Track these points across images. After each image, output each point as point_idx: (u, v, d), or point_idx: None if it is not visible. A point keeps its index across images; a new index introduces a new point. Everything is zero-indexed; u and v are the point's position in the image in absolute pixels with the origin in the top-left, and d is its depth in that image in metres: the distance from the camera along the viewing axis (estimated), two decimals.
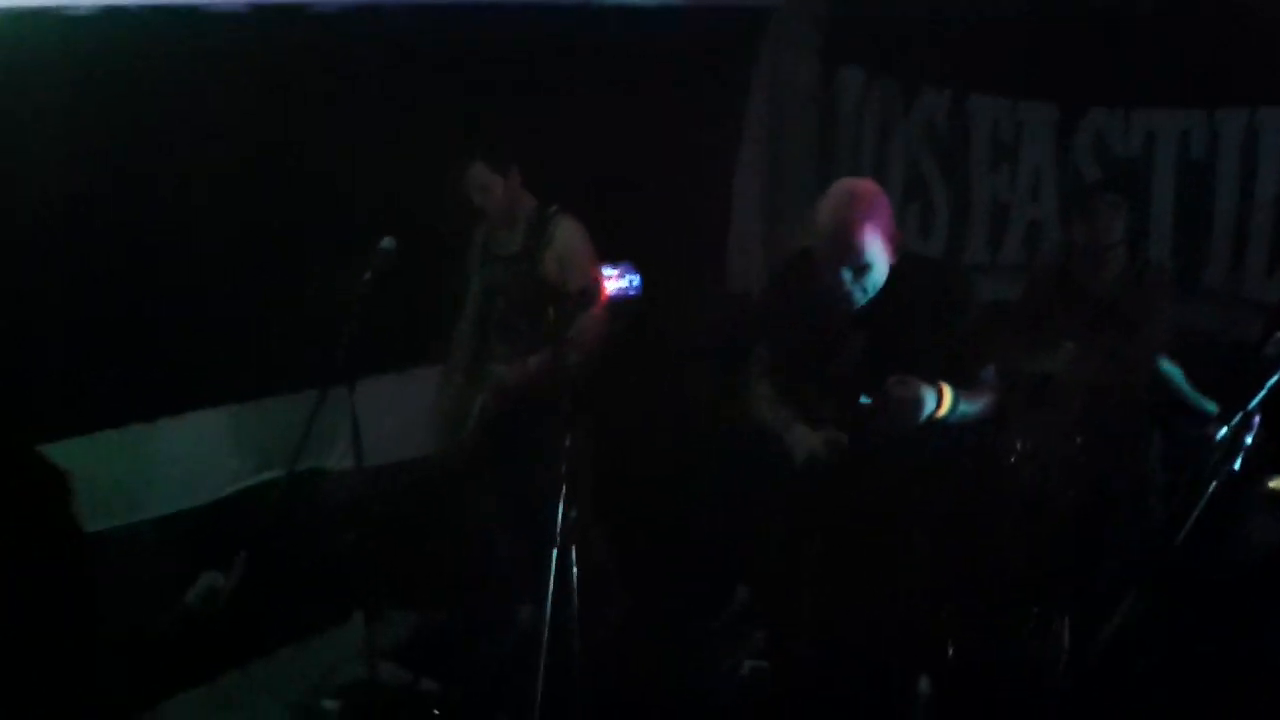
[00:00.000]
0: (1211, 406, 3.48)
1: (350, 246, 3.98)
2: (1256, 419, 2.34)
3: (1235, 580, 2.59)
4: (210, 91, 4.46)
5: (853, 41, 6.37)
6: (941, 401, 3.40)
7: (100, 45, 4.16)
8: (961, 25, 5.66)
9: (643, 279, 5.91)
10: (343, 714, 4.31)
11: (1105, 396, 4.38)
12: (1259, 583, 2.58)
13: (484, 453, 4.49)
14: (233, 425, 4.89)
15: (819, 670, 3.62)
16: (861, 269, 3.46)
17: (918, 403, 3.35)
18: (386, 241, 4.03)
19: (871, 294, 3.51)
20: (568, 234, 4.45)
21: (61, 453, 2.80)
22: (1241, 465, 2.32)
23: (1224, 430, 2.33)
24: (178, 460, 4.79)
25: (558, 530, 2.92)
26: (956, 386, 3.45)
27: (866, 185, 3.59)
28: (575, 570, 2.93)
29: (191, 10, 4.39)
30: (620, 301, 5.91)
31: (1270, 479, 2.49)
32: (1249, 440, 2.33)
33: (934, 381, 3.39)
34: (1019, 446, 4.49)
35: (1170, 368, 3.85)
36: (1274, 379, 2.39)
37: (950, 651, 3.81)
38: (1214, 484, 2.32)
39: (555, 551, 2.93)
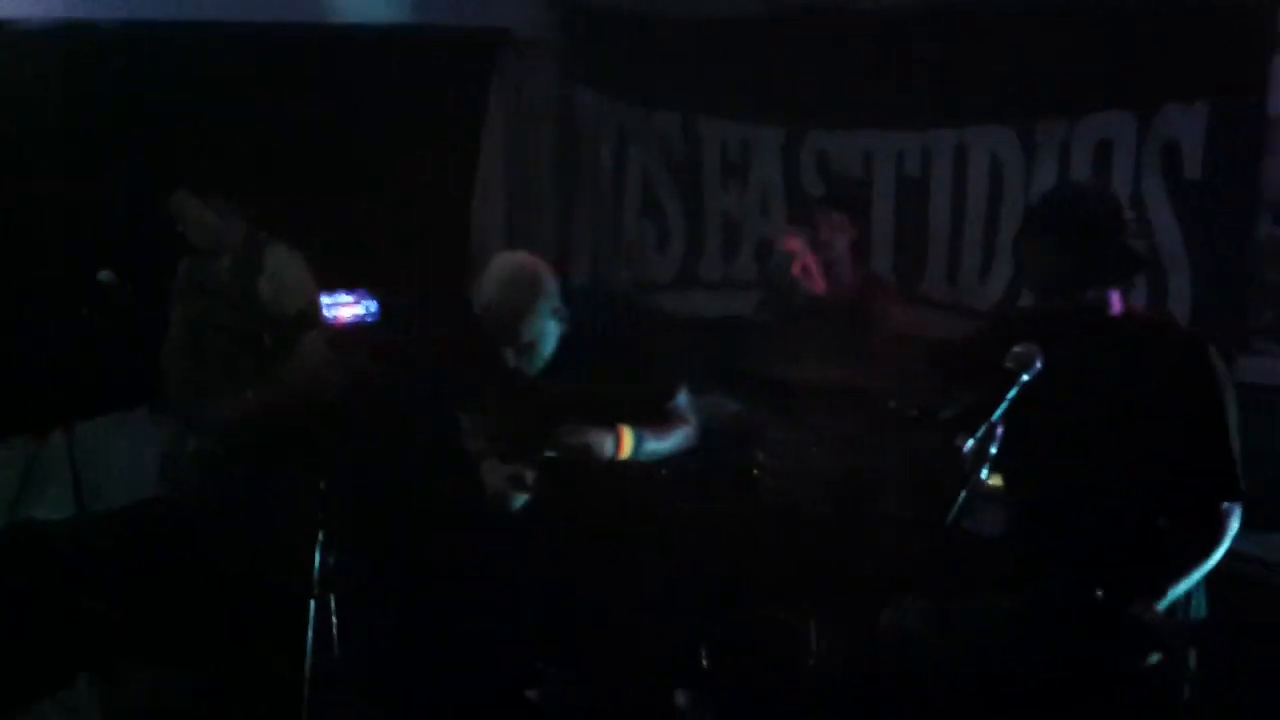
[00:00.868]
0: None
1: (65, 281, 3.72)
2: (999, 430, 2.47)
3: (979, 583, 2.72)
4: None
5: (587, 64, 6.43)
6: (621, 443, 3.49)
7: None
8: (689, 52, 5.79)
9: (380, 305, 5.84)
10: None
11: (841, 404, 4.53)
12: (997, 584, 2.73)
13: (212, 495, 4.24)
14: None
15: (579, 692, 3.60)
16: (526, 347, 3.49)
17: (589, 447, 3.42)
18: (105, 274, 3.79)
19: (540, 365, 3.55)
20: (280, 260, 4.27)
21: None
22: (989, 474, 2.44)
23: (970, 442, 2.45)
24: None
25: (315, 578, 2.78)
26: (642, 426, 3.53)
27: (528, 266, 3.58)
28: (335, 620, 2.79)
29: None
30: (358, 328, 5.81)
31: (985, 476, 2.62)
32: (994, 451, 2.45)
33: (612, 426, 3.47)
34: (762, 458, 4.60)
35: None
36: (1013, 391, 2.52)
37: (704, 662, 3.85)
38: (964, 494, 2.43)
39: (313, 601, 2.79)
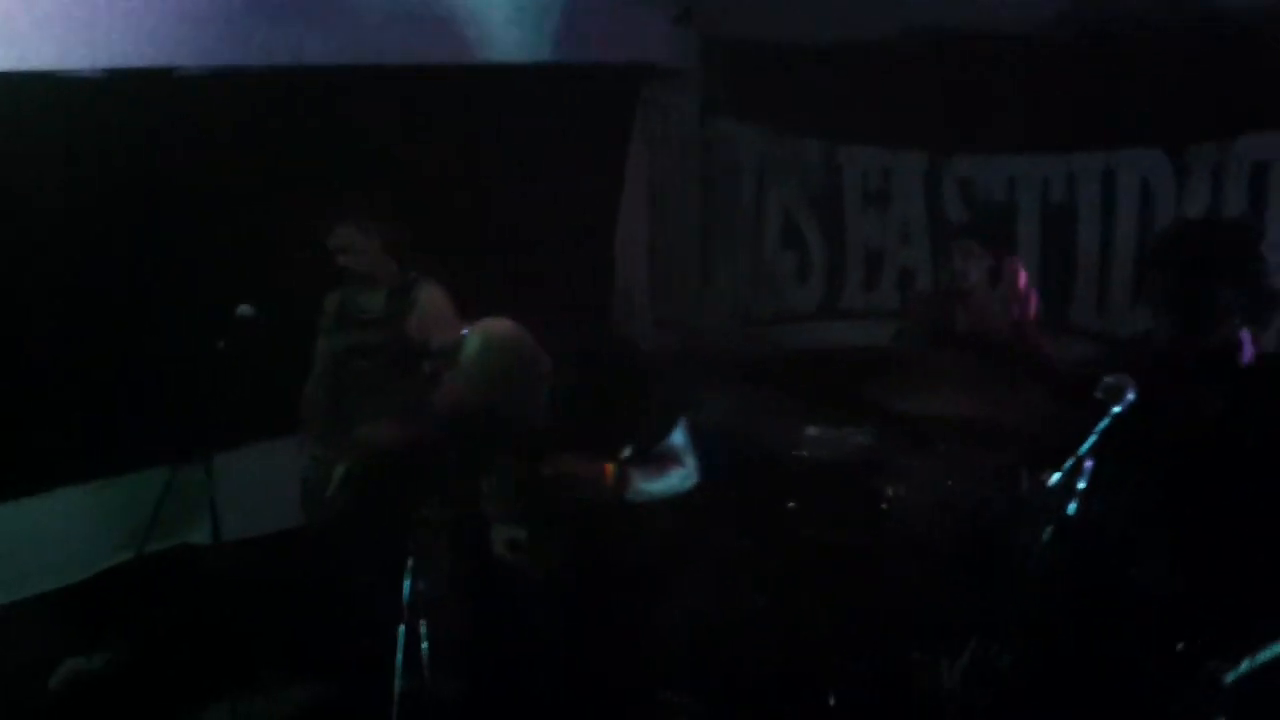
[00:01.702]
0: None
1: (208, 314, 3.90)
2: (1088, 464, 2.35)
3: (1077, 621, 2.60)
4: (62, 157, 4.36)
5: (728, 93, 6.43)
6: (607, 477, 3.29)
7: None
8: (831, 78, 5.75)
9: None
10: None
11: (978, 438, 4.41)
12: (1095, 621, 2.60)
13: (352, 521, 4.37)
14: (94, 504, 4.71)
15: None
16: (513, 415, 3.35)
17: (575, 475, 3.27)
18: (244, 308, 3.95)
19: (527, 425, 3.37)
20: (431, 298, 4.39)
21: None
22: (1076, 510, 2.33)
23: (1057, 475, 2.34)
24: (40, 541, 4.60)
25: (404, 604, 2.84)
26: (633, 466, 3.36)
27: (499, 329, 3.41)
28: (425, 645, 2.84)
29: (46, 75, 4.28)
30: None
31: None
32: (1081, 485, 2.34)
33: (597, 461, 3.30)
34: (891, 492, 4.51)
35: None
36: (1104, 423, 2.40)
37: (832, 702, 3.79)
38: (1049, 529, 2.33)
39: (403, 627, 2.84)
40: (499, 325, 3.42)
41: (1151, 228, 4.91)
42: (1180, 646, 2.36)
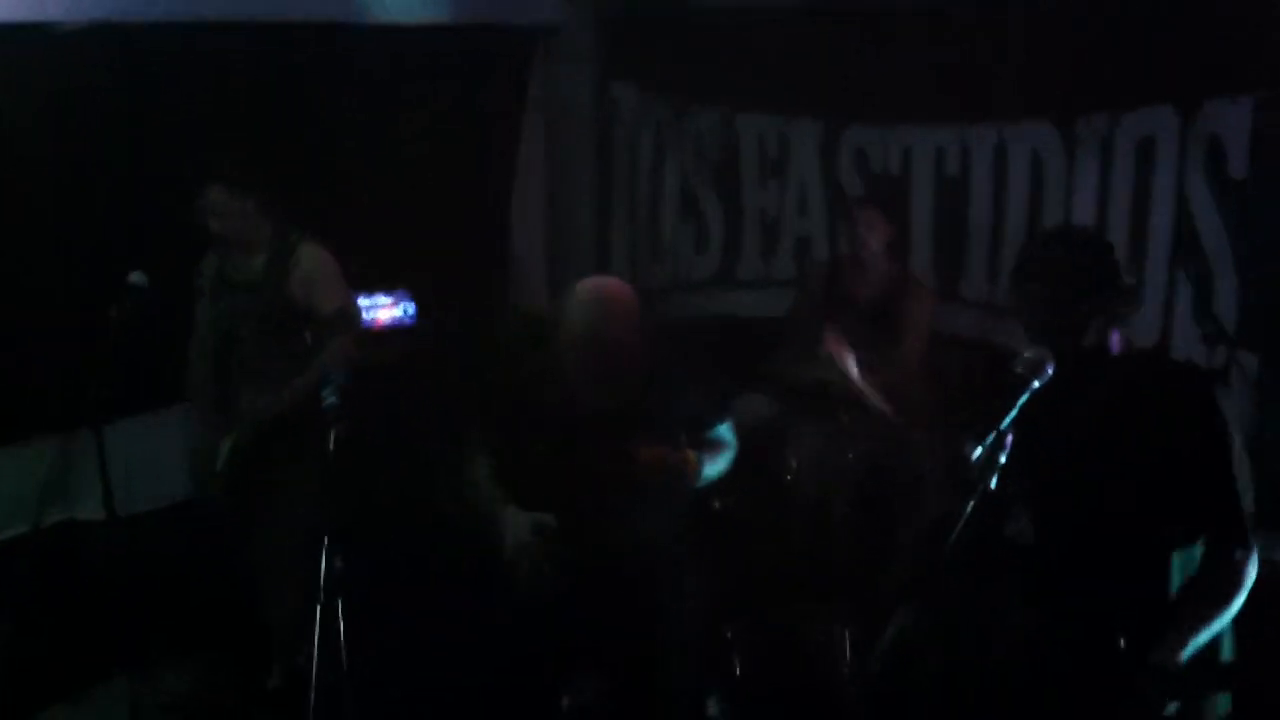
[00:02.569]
0: None
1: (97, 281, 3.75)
2: (1009, 438, 2.39)
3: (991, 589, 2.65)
4: None
5: (626, 60, 6.39)
6: (690, 464, 3.35)
7: None
8: (729, 46, 5.74)
9: (418, 306, 5.84)
10: None
11: (873, 406, 4.48)
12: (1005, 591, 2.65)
13: (241, 494, 4.25)
14: None
15: (612, 703, 3.55)
16: (614, 380, 3.30)
17: (684, 463, 3.31)
18: (136, 276, 3.80)
19: (619, 402, 3.34)
20: (313, 259, 4.24)
21: None
22: (997, 483, 2.37)
23: (979, 449, 2.38)
24: None
25: (320, 584, 2.77)
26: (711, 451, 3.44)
27: (618, 292, 3.37)
28: (342, 625, 2.78)
29: None
30: (394, 330, 5.82)
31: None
32: (1003, 459, 2.38)
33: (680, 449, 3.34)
34: (794, 463, 4.56)
35: None
36: (1024, 398, 2.45)
37: (737, 670, 3.82)
38: (971, 502, 2.36)
39: (319, 607, 2.77)
40: (619, 287, 3.39)
41: (1042, 200, 5.02)
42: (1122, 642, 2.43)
